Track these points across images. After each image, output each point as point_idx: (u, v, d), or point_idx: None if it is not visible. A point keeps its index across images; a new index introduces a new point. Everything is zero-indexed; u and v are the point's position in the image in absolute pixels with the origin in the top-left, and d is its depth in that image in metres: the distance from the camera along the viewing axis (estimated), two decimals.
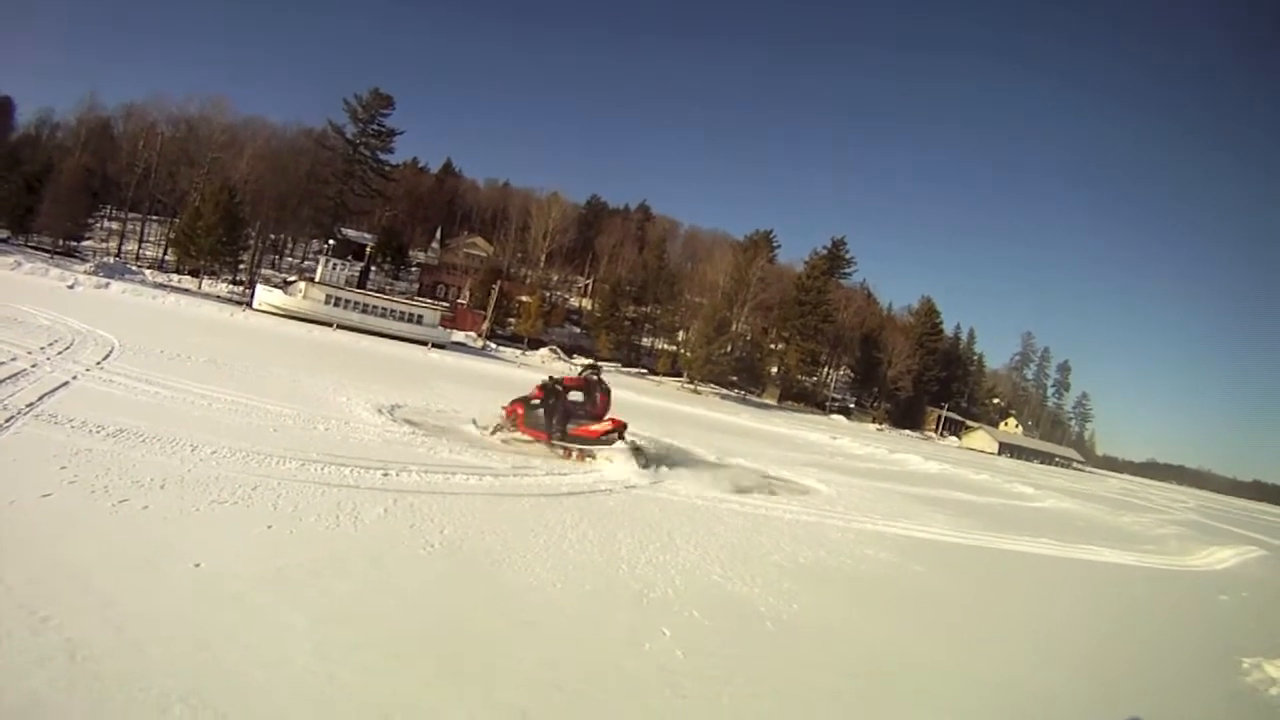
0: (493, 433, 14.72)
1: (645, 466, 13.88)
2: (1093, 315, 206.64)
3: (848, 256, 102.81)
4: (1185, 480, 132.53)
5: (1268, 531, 35.59)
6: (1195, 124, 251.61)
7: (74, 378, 11.77)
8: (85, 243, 69.29)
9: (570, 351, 74.62)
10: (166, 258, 70.06)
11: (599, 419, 14.70)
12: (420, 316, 62.04)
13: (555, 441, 14.33)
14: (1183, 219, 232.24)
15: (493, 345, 69.77)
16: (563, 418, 14.46)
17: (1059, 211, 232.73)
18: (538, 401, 14.57)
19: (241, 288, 64.99)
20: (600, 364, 16.67)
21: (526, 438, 14.58)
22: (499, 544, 7.77)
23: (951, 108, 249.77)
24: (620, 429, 14.42)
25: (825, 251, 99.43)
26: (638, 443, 14.91)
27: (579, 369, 16.02)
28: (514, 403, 14.85)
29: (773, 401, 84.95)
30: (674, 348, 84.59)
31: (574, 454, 14.19)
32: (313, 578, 5.78)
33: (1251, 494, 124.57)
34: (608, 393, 15.23)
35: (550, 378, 15.32)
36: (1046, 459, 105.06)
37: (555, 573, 7.21)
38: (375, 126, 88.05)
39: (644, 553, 8.61)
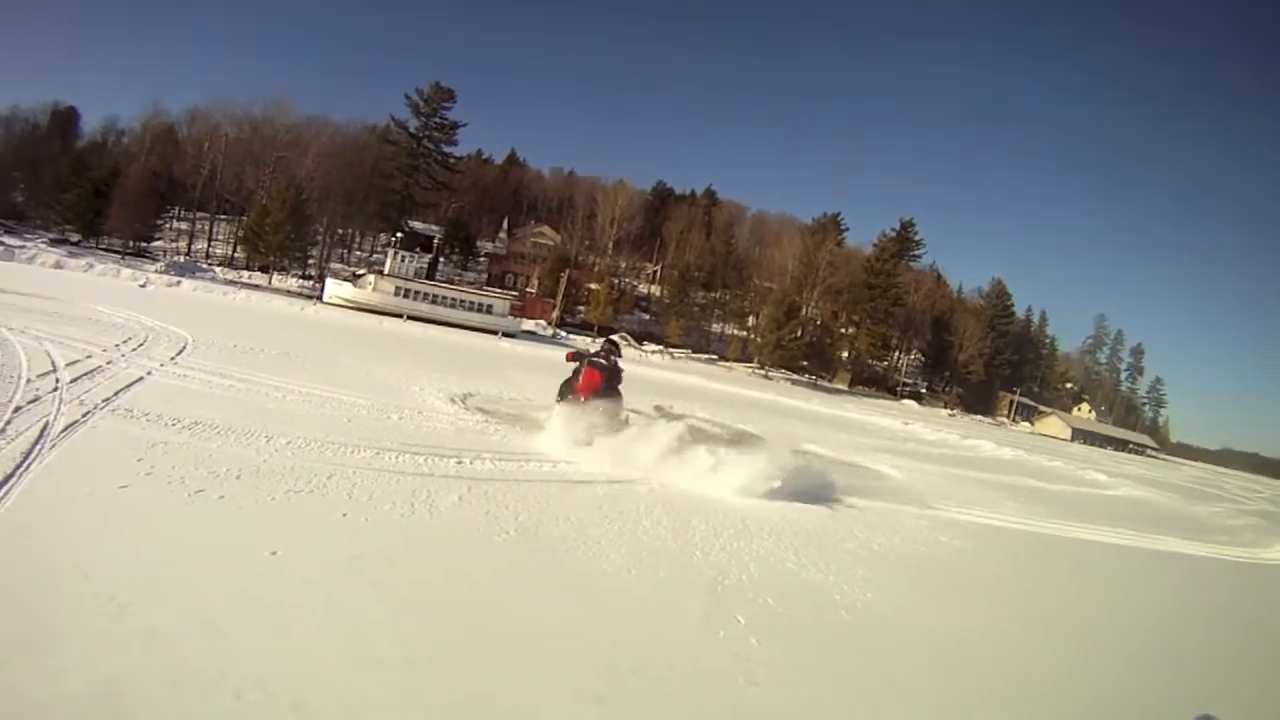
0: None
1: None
2: (1167, 297, 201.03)
3: (917, 238, 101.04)
4: (1260, 469, 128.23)
5: None
6: None
7: (149, 373, 12.05)
8: (155, 243, 71.04)
9: (640, 338, 74.72)
10: (236, 255, 71.55)
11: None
12: (490, 306, 62.55)
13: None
14: (1259, 202, 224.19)
15: (563, 333, 70.01)
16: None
17: (1133, 193, 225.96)
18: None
19: (311, 282, 66.08)
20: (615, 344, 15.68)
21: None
22: (573, 531, 7.83)
23: (1022, 88, 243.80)
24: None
25: (894, 234, 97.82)
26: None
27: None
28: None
29: (843, 386, 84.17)
30: (744, 333, 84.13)
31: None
32: (389, 565, 5.88)
33: None
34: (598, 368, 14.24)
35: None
36: (1120, 445, 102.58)
37: (629, 559, 7.26)
38: (438, 120, 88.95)
39: (718, 539, 8.60)
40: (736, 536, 8.86)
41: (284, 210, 65.37)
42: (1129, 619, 9.32)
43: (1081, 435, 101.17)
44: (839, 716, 5.06)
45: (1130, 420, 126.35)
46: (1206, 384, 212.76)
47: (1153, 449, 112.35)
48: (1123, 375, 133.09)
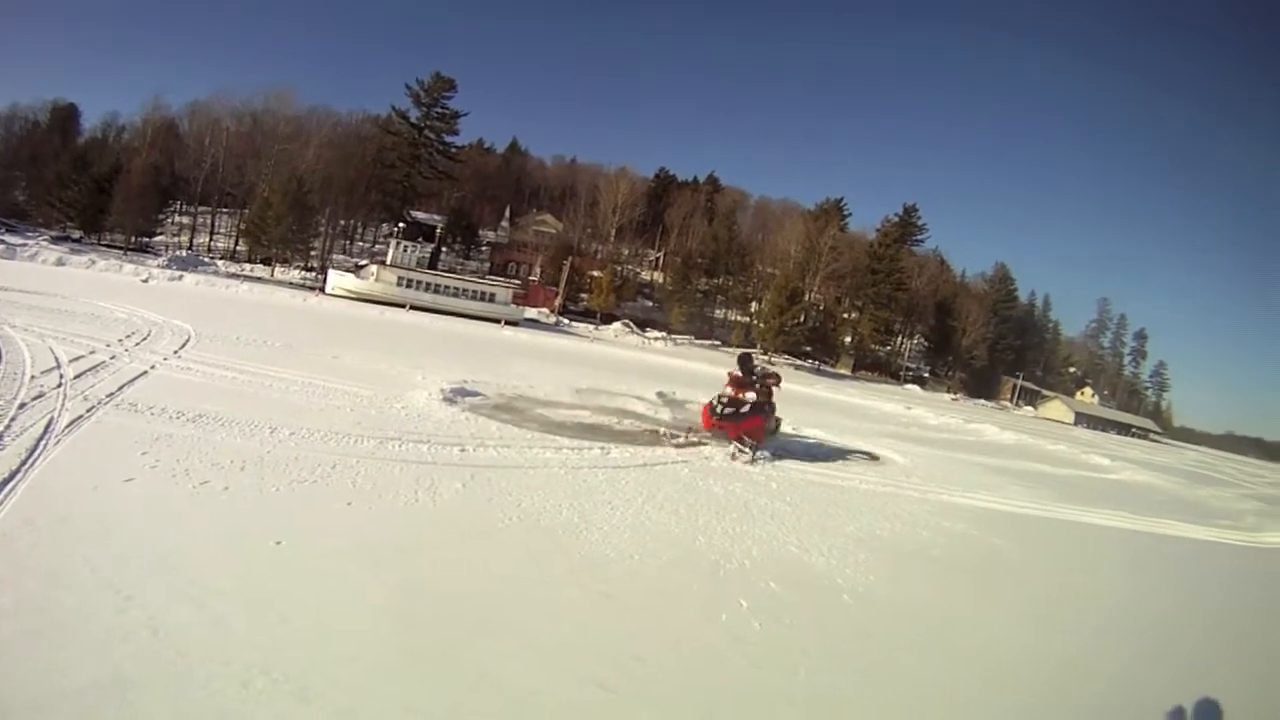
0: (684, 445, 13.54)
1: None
2: (1171, 283, 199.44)
3: (920, 223, 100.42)
4: (1264, 454, 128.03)
5: None
6: None
7: (152, 367, 12.10)
8: (157, 238, 70.76)
9: (643, 325, 74.56)
10: (238, 248, 71.35)
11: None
12: (492, 295, 62.41)
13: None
14: (1263, 186, 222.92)
15: (565, 321, 69.88)
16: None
17: (1136, 178, 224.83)
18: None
19: (314, 274, 65.91)
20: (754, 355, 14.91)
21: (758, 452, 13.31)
22: (576, 516, 7.88)
23: (1025, 72, 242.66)
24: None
25: (897, 219, 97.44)
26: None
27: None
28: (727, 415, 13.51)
29: (846, 371, 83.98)
30: (747, 319, 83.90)
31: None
32: (392, 552, 5.93)
33: None
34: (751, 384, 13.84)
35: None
36: (1123, 430, 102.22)
37: (633, 544, 7.30)
38: (439, 110, 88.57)
39: (720, 524, 8.66)
40: (738, 521, 8.90)
41: (285, 202, 65.13)
42: (1131, 604, 9.34)
43: (1084, 419, 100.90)
44: (840, 698, 5.10)
45: (1133, 405, 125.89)
46: (1210, 369, 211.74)
47: (1156, 433, 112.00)
48: (1126, 360, 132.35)
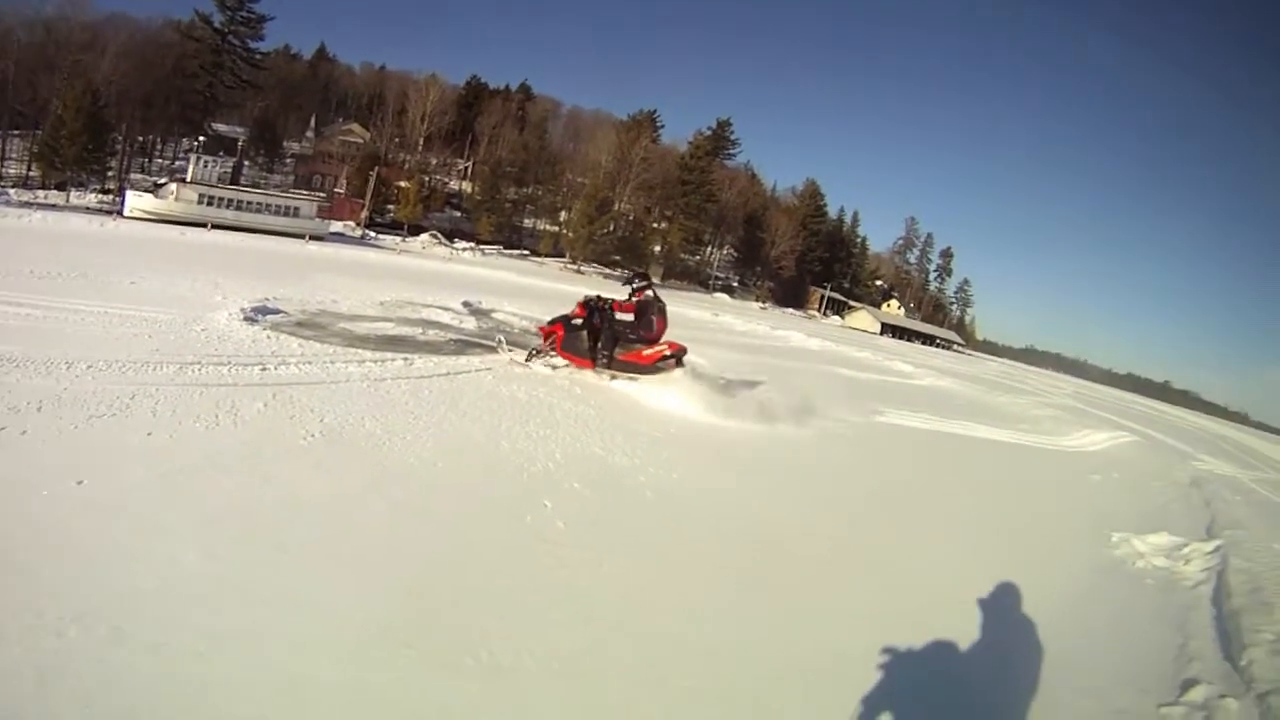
0: (527, 360, 13.21)
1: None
2: (978, 202, 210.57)
3: (733, 138, 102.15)
4: (1063, 368, 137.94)
5: (1140, 420, 37.67)
6: None
7: None
8: None
9: (451, 236, 73.25)
10: (31, 174, 65.60)
11: (653, 342, 13.18)
12: (297, 209, 59.86)
13: (601, 368, 12.93)
14: (1070, 96, 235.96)
15: (372, 234, 67.86)
16: (610, 341, 12.98)
17: (943, 92, 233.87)
18: (580, 322, 13.08)
19: (111, 196, 61.60)
20: (648, 275, 14.50)
21: (564, 363, 13.19)
22: (380, 429, 7.75)
23: None
24: (679, 354, 13.11)
25: (710, 133, 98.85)
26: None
27: (629, 287, 13.81)
28: (553, 322, 13.36)
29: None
30: (556, 229, 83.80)
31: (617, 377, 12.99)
32: (195, 480, 5.68)
33: (1126, 385, 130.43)
34: (663, 313, 13.66)
35: (597, 296, 13.61)
36: (928, 340, 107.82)
37: (436, 453, 7.28)
38: (244, 14, 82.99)
39: (524, 428, 8.75)
40: (543, 425, 9.02)
41: (80, 119, 59.82)
42: (931, 497, 10.09)
43: (890, 330, 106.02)
44: (640, 584, 5.32)
45: (939, 318, 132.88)
46: (1014, 286, 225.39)
47: (959, 345, 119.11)
48: (932, 275, 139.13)
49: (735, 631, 4.98)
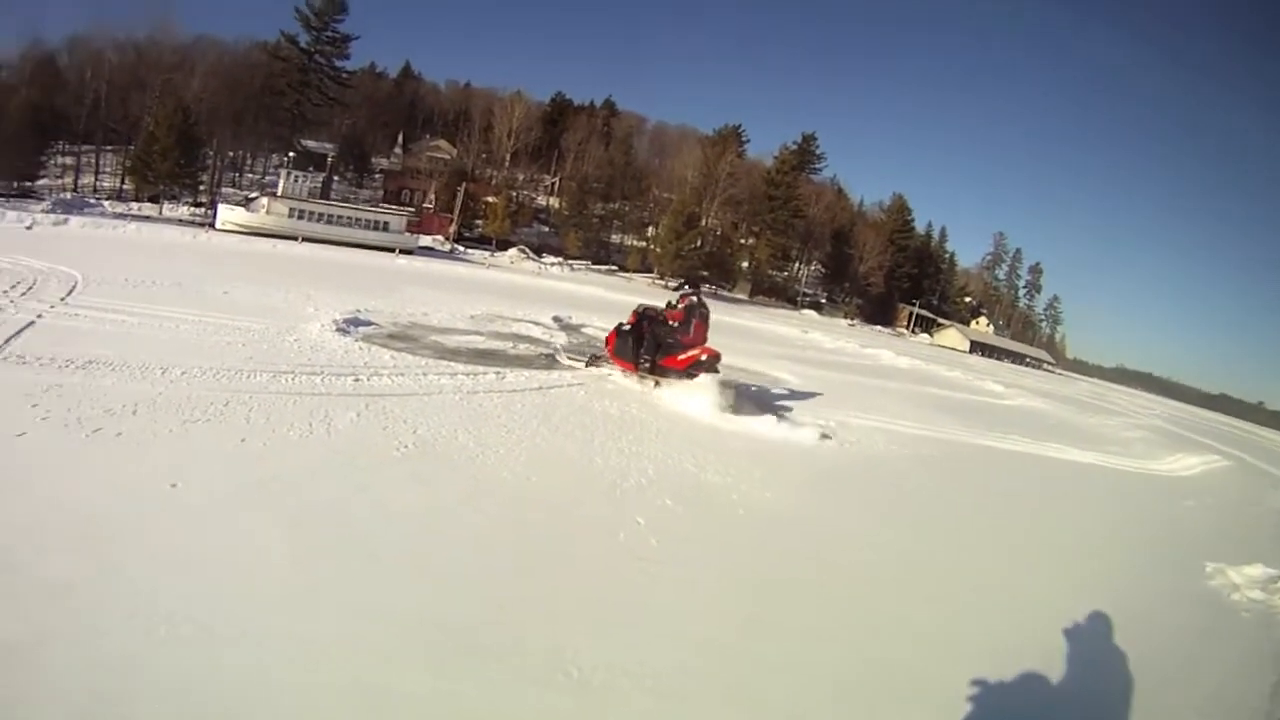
0: (587, 365, 13.87)
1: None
2: (1068, 219, 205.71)
3: (818, 152, 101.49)
4: (1153, 388, 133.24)
5: (1233, 443, 35.99)
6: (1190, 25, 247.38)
7: (39, 316, 11.39)
8: (40, 181, 66.48)
9: (539, 250, 73.91)
10: (125, 187, 67.75)
11: (689, 347, 13.14)
12: (386, 223, 60.91)
13: (644, 372, 13.07)
14: (1164, 125, 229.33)
15: (460, 248, 68.75)
16: (653, 347, 13.06)
17: (1036, 111, 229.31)
18: (629, 328, 13.28)
19: (203, 209, 63.20)
20: (697, 284, 14.59)
21: (618, 369, 13.46)
22: (473, 441, 7.78)
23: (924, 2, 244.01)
24: (713, 359, 13.03)
25: (795, 147, 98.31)
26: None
27: (677, 297, 13.86)
28: (613, 330, 13.61)
29: (744, 296, 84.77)
30: (643, 244, 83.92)
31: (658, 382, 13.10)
32: (287, 487, 5.76)
33: (1218, 407, 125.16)
34: (706, 318, 13.55)
35: (647, 306, 13.74)
36: (1017, 359, 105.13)
37: (529, 467, 7.27)
38: (329, 34, 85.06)
39: (616, 444, 8.71)
40: (636, 441, 8.96)
41: (172, 135, 62.05)
42: (1026, 522, 9.77)
43: (979, 348, 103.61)
44: (736, 608, 5.19)
45: (1028, 336, 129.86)
46: (1105, 304, 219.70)
47: (1049, 364, 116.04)
48: (1021, 292, 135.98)
49: (835, 654, 4.83)
